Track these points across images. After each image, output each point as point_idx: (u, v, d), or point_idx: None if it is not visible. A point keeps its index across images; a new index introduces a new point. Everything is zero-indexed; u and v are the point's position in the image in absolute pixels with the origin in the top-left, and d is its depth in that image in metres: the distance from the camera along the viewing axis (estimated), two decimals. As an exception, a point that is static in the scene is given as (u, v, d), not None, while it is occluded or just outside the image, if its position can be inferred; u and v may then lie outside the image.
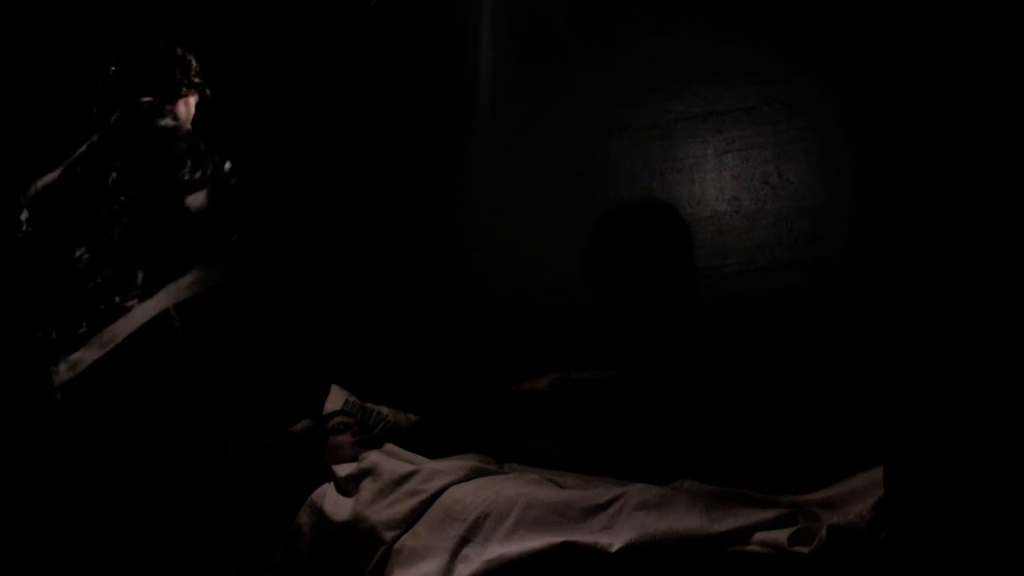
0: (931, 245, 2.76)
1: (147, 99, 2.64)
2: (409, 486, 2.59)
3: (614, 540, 1.93)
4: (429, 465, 2.70)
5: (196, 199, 2.51)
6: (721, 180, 3.29)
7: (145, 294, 2.47)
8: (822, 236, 3.05)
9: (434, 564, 2.28)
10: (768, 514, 1.89)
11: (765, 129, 3.18)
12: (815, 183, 3.08)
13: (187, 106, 2.80)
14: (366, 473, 2.72)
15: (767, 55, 3.17)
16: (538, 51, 3.80)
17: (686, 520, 1.90)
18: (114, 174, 2.56)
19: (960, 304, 2.68)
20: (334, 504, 2.70)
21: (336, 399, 3.60)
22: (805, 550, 1.71)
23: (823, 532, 1.72)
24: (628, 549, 1.89)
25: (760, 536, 1.83)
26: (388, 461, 2.78)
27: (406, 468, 2.69)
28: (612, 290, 3.54)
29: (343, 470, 2.80)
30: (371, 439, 3.19)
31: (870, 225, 2.92)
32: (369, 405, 3.52)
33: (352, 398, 3.58)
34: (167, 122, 2.61)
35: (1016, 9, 2.62)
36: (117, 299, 2.46)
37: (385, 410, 3.50)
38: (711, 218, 3.30)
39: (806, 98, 3.10)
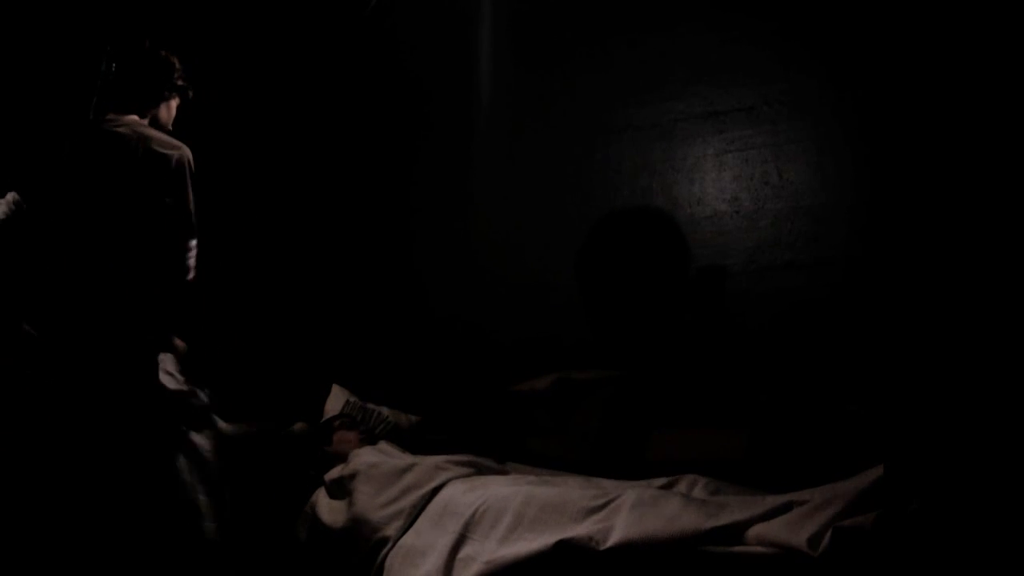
0: (930, 244, 2.77)
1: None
2: (406, 481, 2.58)
3: (609, 538, 1.93)
4: (427, 460, 2.69)
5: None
6: (721, 180, 3.29)
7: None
8: (822, 236, 3.05)
9: (434, 564, 2.28)
10: (762, 509, 1.89)
11: (765, 129, 3.18)
12: (815, 183, 3.08)
13: (168, 109, 2.79)
14: (357, 474, 2.71)
15: (767, 55, 3.17)
16: (538, 51, 3.80)
17: (681, 517, 1.90)
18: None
19: (960, 302, 2.69)
20: (328, 511, 2.68)
21: (337, 399, 3.60)
22: (807, 548, 1.70)
23: (828, 533, 1.70)
24: (623, 546, 1.89)
25: (756, 531, 1.82)
26: (382, 459, 2.77)
27: (402, 464, 2.68)
28: (612, 290, 3.54)
29: (333, 474, 2.79)
30: (375, 437, 3.20)
31: (869, 224, 2.92)
32: (370, 405, 3.52)
33: (353, 398, 3.58)
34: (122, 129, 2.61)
35: (1014, 9, 2.62)
36: None
37: (385, 411, 3.50)
38: (711, 218, 3.30)
39: (806, 98, 3.10)
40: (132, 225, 2.59)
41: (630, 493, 2.07)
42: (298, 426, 3.26)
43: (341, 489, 2.73)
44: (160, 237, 2.62)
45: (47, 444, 2.52)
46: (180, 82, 2.79)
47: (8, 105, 3.32)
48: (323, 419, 3.45)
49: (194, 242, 2.68)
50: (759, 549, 1.79)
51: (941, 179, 2.78)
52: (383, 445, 3.01)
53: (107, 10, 3.43)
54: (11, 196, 2.67)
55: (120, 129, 2.62)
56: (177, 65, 2.78)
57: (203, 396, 2.87)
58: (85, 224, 2.58)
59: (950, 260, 2.74)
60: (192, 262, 2.69)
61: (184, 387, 2.84)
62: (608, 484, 2.48)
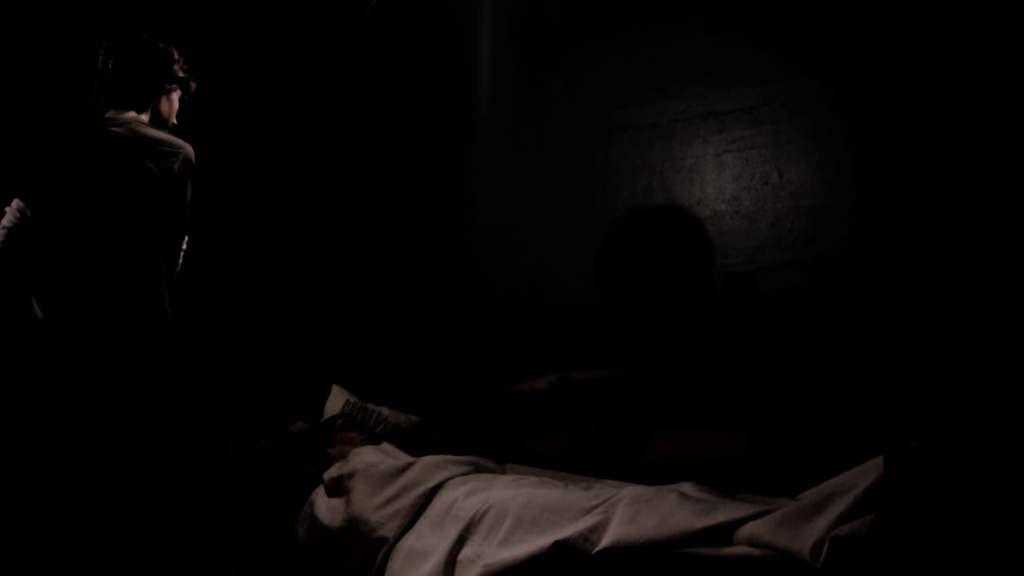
0: (930, 244, 2.77)
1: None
2: (404, 481, 2.58)
3: (604, 536, 1.94)
4: (426, 460, 2.69)
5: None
6: (721, 180, 3.29)
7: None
8: (822, 236, 3.05)
9: (434, 566, 2.28)
10: (755, 508, 1.89)
11: (765, 129, 3.18)
12: (815, 183, 3.08)
13: (169, 103, 2.73)
14: (355, 473, 2.71)
15: (767, 55, 3.17)
16: (538, 51, 3.80)
17: (675, 514, 1.91)
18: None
19: (959, 302, 2.68)
20: (326, 510, 2.68)
21: (337, 400, 3.60)
22: (808, 557, 1.70)
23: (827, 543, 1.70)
24: (617, 544, 1.90)
25: (750, 530, 1.82)
26: (381, 458, 2.77)
27: (400, 463, 2.68)
28: (612, 290, 3.54)
29: (331, 473, 2.79)
30: (377, 437, 3.20)
31: (869, 224, 2.92)
32: (370, 406, 3.52)
33: (353, 399, 3.58)
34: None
35: (1014, 9, 2.62)
36: None
37: (386, 411, 3.50)
38: (711, 218, 3.30)
39: (806, 98, 3.10)
40: (130, 227, 2.58)
41: (627, 490, 2.07)
42: (298, 426, 3.27)
43: (339, 488, 2.73)
44: (156, 237, 2.61)
45: (50, 441, 2.53)
46: (181, 73, 2.72)
47: (6, 106, 3.32)
48: (323, 419, 3.45)
49: (186, 239, 2.69)
50: (758, 552, 1.79)
51: (941, 179, 2.78)
52: (384, 445, 3.01)
53: (106, 10, 3.43)
54: (16, 203, 2.66)
55: (118, 129, 2.58)
56: (176, 56, 2.70)
57: None
58: (84, 227, 2.57)
59: (950, 260, 2.74)
60: (180, 258, 2.70)
61: None
62: (608, 484, 2.48)
